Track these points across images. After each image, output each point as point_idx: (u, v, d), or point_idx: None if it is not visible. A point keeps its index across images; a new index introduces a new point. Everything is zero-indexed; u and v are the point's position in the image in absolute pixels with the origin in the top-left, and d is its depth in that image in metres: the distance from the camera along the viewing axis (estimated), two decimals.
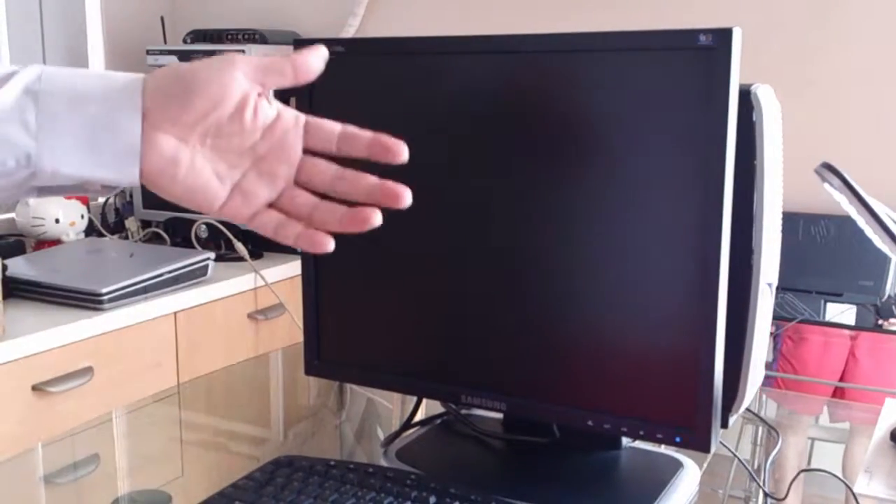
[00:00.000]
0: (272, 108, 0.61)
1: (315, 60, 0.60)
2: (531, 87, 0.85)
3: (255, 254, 2.16)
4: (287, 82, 0.60)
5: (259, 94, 0.60)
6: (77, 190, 0.60)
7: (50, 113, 0.56)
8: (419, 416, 1.05)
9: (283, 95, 0.63)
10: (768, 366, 1.61)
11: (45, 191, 0.60)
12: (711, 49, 0.75)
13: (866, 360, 1.66)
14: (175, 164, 0.58)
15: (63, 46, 2.32)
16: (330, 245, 0.62)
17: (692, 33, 0.76)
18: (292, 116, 0.62)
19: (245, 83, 0.58)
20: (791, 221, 1.12)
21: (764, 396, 1.26)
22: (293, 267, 2.12)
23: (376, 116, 0.93)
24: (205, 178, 0.59)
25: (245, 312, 2.05)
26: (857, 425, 1.19)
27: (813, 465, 1.06)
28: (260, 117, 0.60)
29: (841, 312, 1.70)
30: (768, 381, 1.52)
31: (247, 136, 0.60)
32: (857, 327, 1.69)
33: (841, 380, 1.63)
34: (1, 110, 0.55)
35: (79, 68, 0.59)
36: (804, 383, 1.63)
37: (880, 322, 1.68)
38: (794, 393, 1.48)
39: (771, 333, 1.61)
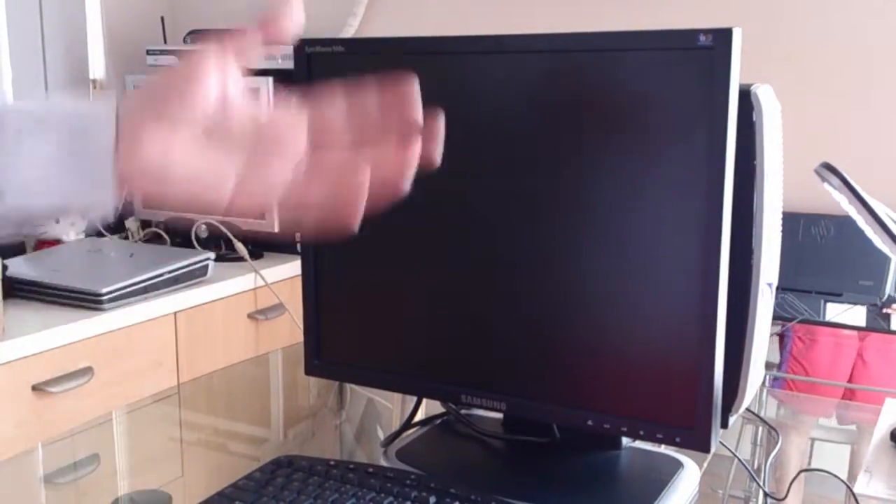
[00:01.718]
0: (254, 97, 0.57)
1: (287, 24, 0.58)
2: (530, 87, 0.85)
3: (255, 254, 2.15)
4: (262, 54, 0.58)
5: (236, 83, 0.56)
6: (53, 215, 0.57)
7: (13, 129, 0.53)
8: (419, 416, 1.04)
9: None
10: (776, 367, 1.61)
11: (17, 225, 0.56)
12: (711, 49, 0.75)
13: (874, 362, 1.65)
14: (163, 161, 0.54)
15: (63, 46, 2.32)
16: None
17: (692, 33, 0.76)
18: (285, 110, 0.58)
19: (217, 73, 0.55)
20: (791, 221, 1.12)
21: (764, 396, 1.26)
22: (293, 267, 2.11)
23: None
24: (201, 172, 0.56)
25: (245, 312, 2.05)
26: (865, 426, 1.19)
27: (813, 465, 1.06)
28: (239, 106, 0.56)
29: (841, 313, 1.70)
30: (777, 383, 1.52)
31: (235, 127, 0.56)
32: (866, 328, 1.68)
33: (849, 381, 1.63)
34: None
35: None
36: (813, 385, 1.63)
37: (885, 311, 1.67)
38: (804, 395, 1.48)
39: (779, 334, 1.61)
